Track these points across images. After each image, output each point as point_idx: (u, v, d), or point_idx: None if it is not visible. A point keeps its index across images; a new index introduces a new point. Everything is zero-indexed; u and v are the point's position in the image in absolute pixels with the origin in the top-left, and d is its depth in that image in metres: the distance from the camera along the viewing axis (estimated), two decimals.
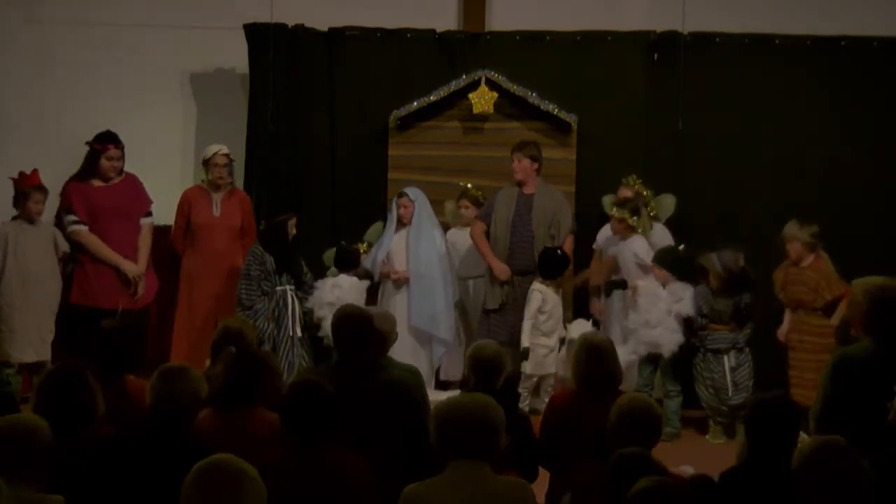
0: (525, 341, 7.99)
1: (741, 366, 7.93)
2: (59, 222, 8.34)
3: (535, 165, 8.36)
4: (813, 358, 7.73)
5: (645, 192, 8.46)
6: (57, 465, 3.94)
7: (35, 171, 8.10)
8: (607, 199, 8.65)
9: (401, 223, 8.52)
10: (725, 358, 7.92)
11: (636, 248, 8.13)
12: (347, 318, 5.13)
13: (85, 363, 4.77)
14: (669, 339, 7.91)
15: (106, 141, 8.16)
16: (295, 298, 8.13)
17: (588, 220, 8.76)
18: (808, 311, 7.83)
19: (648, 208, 8.38)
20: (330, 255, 8.56)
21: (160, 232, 8.57)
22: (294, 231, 8.24)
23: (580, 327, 7.90)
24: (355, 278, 8.36)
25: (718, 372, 7.94)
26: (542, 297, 8.04)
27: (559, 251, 8.12)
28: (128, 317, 7.98)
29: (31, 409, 4.38)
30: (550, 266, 8.08)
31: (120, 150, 8.24)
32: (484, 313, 8.40)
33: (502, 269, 8.28)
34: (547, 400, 8.02)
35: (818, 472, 3.63)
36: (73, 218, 8.16)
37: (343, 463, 4.07)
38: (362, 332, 5.07)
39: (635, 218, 8.16)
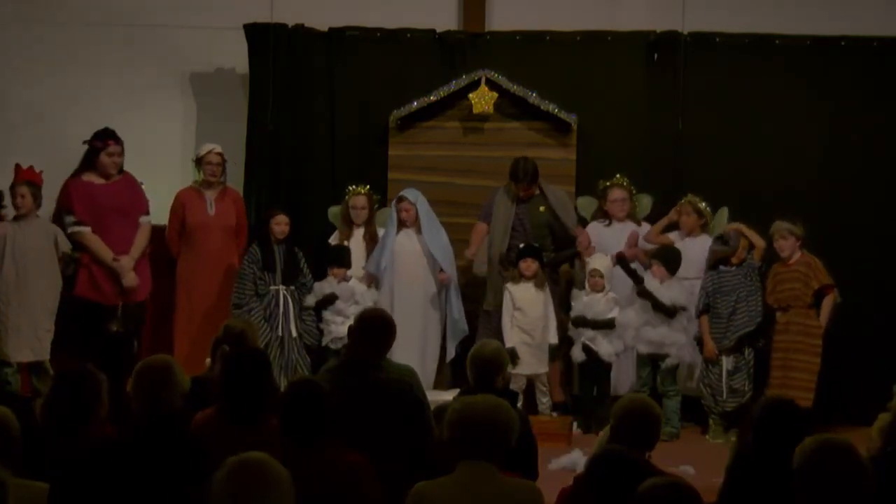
0: (507, 341, 7.92)
1: (739, 370, 7.92)
2: (57, 221, 8.32)
3: (538, 180, 8.35)
4: (803, 358, 7.75)
5: (633, 190, 8.57)
6: (57, 463, 3.93)
7: (30, 168, 8.08)
8: (583, 201, 8.69)
9: (402, 225, 8.47)
10: (724, 360, 7.92)
11: (708, 245, 8.22)
12: (370, 319, 5.18)
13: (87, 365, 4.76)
14: (673, 339, 7.92)
15: (106, 137, 8.15)
16: (289, 299, 8.11)
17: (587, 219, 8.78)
18: (799, 311, 7.83)
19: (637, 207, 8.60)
20: (335, 211, 8.63)
21: (159, 232, 8.54)
22: (283, 228, 8.20)
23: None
24: (373, 289, 8.32)
25: (715, 373, 7.94)
26: (510, 296, 8.05)
27: (523, 246, 8.11)
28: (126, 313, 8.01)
29: (41, 407, 4.39)
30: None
31: (120, 146, 8.20)
32: (485, 312, 8.39)
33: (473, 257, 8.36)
34: (544, 401, 8.08)
35: (819, 471, 3.63)
36: (71, 219, 8.13)
37: (343, 462, 4.06)
38: (381, 335, 5.11)
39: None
